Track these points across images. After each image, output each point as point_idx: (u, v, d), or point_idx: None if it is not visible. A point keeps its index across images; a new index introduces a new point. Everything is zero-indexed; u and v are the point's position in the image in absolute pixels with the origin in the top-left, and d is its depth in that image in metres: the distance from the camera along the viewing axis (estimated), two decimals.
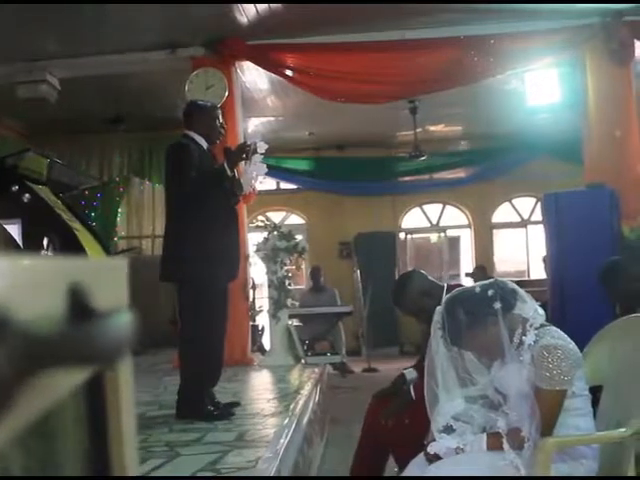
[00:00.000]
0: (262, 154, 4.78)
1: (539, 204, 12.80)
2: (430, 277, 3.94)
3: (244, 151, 4.66)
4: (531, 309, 2.76)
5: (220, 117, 4.86)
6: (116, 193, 11.20)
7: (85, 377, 0.47)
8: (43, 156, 3.63)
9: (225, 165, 4.57)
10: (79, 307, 0.42)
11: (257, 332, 10.14)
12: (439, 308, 2.86)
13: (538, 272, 12.15)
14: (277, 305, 7.48)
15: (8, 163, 3.47)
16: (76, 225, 3.65)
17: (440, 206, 14.00)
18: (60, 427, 0.48)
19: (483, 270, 11.52)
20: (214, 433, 4.20)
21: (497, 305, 2.68)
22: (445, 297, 2.92)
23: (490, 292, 2.71)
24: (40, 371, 0.35)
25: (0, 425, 0.34)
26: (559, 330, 2.75)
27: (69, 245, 3.50)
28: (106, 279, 0.55)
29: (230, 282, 4.87)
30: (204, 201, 4.55)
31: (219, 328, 4.75)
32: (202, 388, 4.71)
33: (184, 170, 4.50)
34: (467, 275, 12.10)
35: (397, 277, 4.28)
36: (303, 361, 7.55)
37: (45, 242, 3.63)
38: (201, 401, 4.63)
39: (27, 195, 3.50)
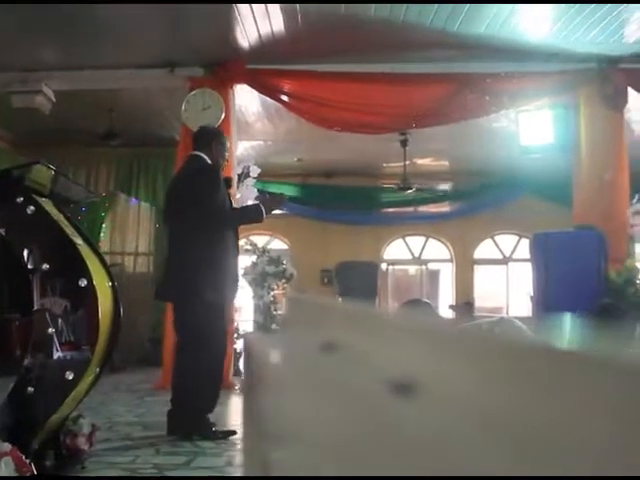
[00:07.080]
0: (254, 178, 4.90)
1: (521, 242, 12.91)
2: (435, 310, 3.95)
3: (282, 203, 5.01)
4: None
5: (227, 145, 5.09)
6: (102, 208, 11.10)
7: None
8: (49, 168, 3.58)
9: (261, 207, 4.80)
10: None
11: (235, 356, 10.05)
12: None
13: (517, 309, 12.19)
14: (262, 329, 7.45)
15: (14, 175, 3.43)
16: (78, 240, 3.61)
17: (423, 239, 14.02)
18: None
19: (469, 306, 11.61)
20: (203, 458, 4.16)
21: None
22: None
23: (497, 330, 2.72)
24: None
25: None
26: None
27: (71, 260, 3.46)
28: None
29: (230, 303, 4.99)
30: (226, 228, 4.68)
31: (221, 347, 4.84)
32: (205, 405, 4.75)
33: (217, 197, 4.64)
34: (450, 307, 12.13)
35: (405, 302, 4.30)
36: None
37: (25, 254, 3.56)
38: (206, 418, 4.68)
39: (31, 207, 3.46)
